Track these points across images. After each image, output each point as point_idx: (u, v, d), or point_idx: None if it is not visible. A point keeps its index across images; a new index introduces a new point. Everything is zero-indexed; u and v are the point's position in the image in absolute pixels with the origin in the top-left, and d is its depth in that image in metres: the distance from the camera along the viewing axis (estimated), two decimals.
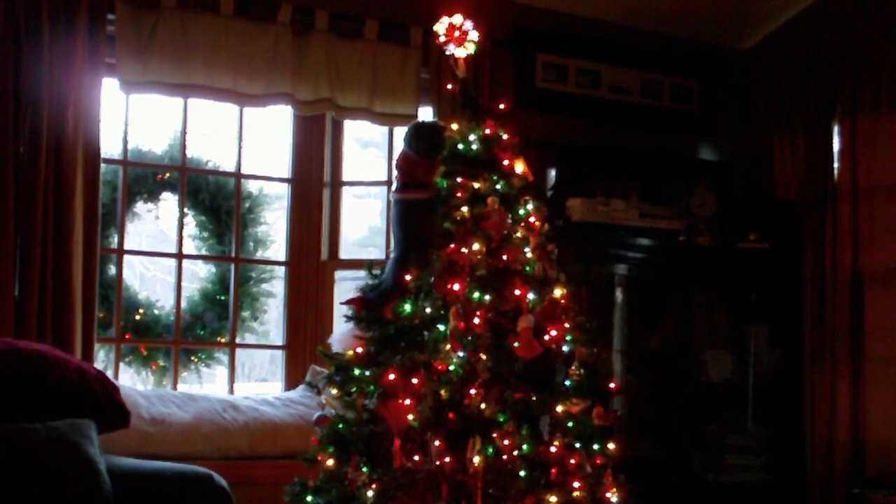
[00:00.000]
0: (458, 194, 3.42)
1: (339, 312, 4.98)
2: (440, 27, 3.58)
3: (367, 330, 3.54)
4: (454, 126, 3.58)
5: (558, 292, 3.41)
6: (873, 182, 5.52)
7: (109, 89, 4.65)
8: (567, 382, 3.40)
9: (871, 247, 5.51)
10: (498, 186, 3.47)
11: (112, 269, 5.10)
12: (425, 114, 5.25)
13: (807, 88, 5.76)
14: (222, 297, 5.39)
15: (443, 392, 3.24)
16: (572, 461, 3.29)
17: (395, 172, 3.80)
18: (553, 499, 3.19)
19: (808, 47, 5.86)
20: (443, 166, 3.50)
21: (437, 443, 3.19)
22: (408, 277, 3.47)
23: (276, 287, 5.50)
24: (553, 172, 5.43)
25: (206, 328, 5.38)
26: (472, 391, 3.23)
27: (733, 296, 5.77)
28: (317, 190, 5.30)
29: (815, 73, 5.73)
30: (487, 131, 3.54)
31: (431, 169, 3.54)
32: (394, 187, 3.77)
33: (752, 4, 5.89)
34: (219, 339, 5.39)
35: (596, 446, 3.39)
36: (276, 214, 5.58)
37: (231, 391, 5.15)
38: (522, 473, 3.20)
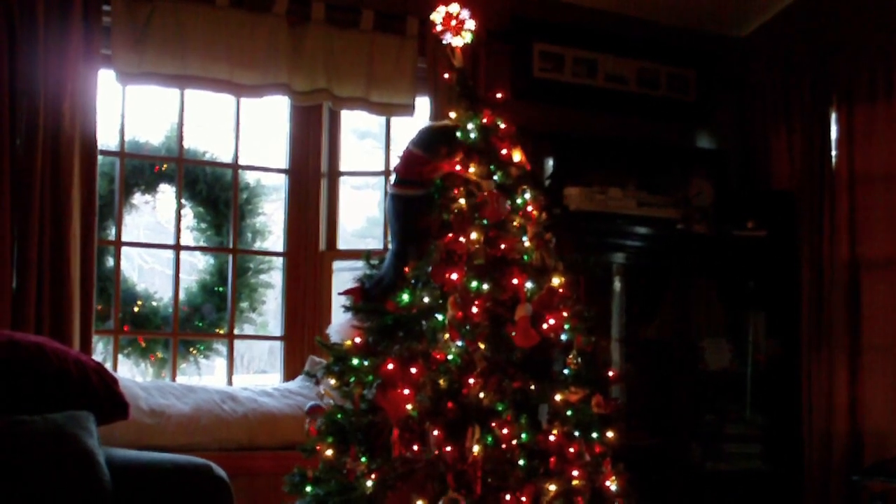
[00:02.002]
0: (455, 191, 3.41)
1: (338, 303, 4.98)
2: (437, 16, 3.58)
3: (365, 320, 3.54)
4: (452, 115, 3.59)
5: (556, 281, 3.41)
6: (870, 171, 5.52)
7: (105, 81, 4.64)
8: (565, 371, 3.41)
9: (867, 235, 5.51)
10: (496, 177, 3.47)
11: (110, 261, 5.09)
12: (422, 103, 5.25)
13: (804, 77, 5.76)
14: (220, 289, 5.38)
15: (441, 381, 3.25)
16: (571, 450, 3.30)
17: (394, 166, 3.80)
18: (552, 487, 3.21)
19: (805, 36, 5.85)
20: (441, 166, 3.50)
21: (435, 432, 3.20)
22: (407, 270, 3.47)
23: (274, 278, 5.50)
24: (550, 162, 5.42)
25: (205, 320, 5.38)
26: (471, 380, 3.24)
27: (731, 284, 5.77)
28: (314, 180, 5.30)
29: (812, 62, 5.73)
30: (485, 121, 3.54)
31: (434, 168, 3.53)
32: (391, 181, 3.76)
33: None
34: (217, 330, 5.39)
35: (595, 435, 3.40)
36: (273, 205, 5.58)
37: (230, 382, 5.15)
38: (521, 462, 3.21)
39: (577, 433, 3.34)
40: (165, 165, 5.35)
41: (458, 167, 3.46)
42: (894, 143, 5.43)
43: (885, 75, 5.44)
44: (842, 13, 5.71)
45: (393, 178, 3.74)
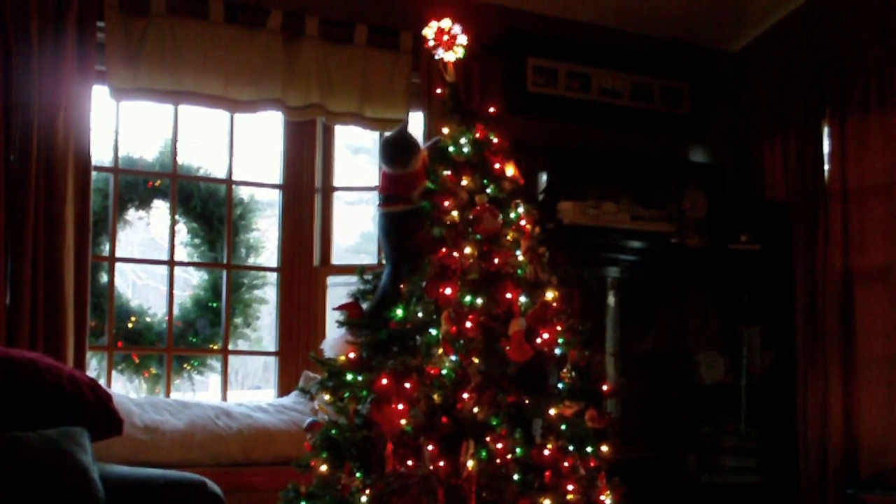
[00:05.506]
0: (447, 203, 3.41)
1: (332, 318, 4.98)
2: (429, 31, 3.58)
3: (359, 335, 3.53)
4: (445, 130, 3.59)
5: (550, 295, 3.41)
6: (863, 183, 5.53)
7: (99, 97, 4.65)
8: (560, 385, 3.41)
9: (861, 247, 5.52)
10: (489, 190, 3.47)
11: (104, 277, 5.09)
12: (416, 118, 5.26)
13: (796, 90, 5.77)
14: (214, 304, 5.39)
15: (435, 396, 3.24)
16: (566, 464, 3.29)
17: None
18: (547, 502, 3.19)
19: (798, 49, 5.88)
20: (423, 177, 3.50)
21: (430, 447, 3.19)
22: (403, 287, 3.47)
23: (268, 293, 5.50)
24: (544, 176, 5.43)
25: (199, 335, 5.38)
26: (465, 395, 3.23)
27: (725, 297, 5.78)
28: (308, 196, 5.30)
29: (805, 75, 5.75)
30: (477, 135, 3.54)
31: (411, 184, 3.52)
32: (378, 201, 3.75)
33: (741, 7, 5.90)
34: (211, 346, 5.39)
35: (589, 449, 3.39)
36: (267, 221, 5.59)
37: (224, 398, 5.14)
38: (516, 477, 3.20)
39: (571, 447, 3.34)
40: (159, 181, 5.36)
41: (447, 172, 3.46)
42: (887, 155, 5.44)
43: (878, 87, 5.46)
44: (834, 26, 5.73)
45: (378, 198, 3.73)
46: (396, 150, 3.51)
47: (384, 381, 3.25)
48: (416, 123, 5.26)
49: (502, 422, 3.22)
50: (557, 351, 3.40)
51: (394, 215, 3.58)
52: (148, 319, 5.33)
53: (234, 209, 5.37)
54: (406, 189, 3.51)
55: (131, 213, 5.41)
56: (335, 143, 5.44)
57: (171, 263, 5.12)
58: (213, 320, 5.37)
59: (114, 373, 5.04)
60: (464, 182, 3.45)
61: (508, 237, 3.44)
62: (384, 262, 3.75)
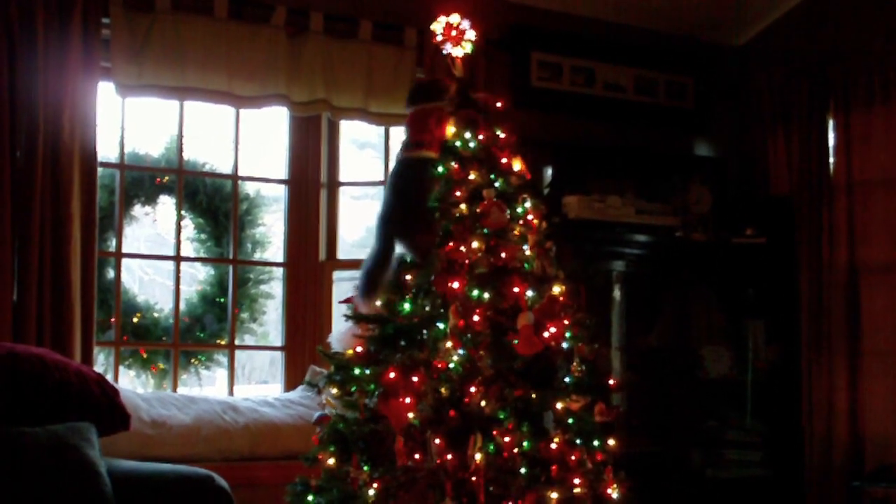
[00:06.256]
0: (458, 193, 3.43)
1: (338, 312, 4.99)
2: (437, 27, 3.60)
3: (367, 322, 3.55)
4: (452, 127, 3.60)
5: (557, 289, 3.42)
6: (868, 176, 5.54)
7: (105, 93, 4.65)
8: (567, 379, 3.41)
9: (866, 241, 5.52)
10: (497, 184, 3.48)
11: (110, 273, 5.10)
12: None
13: (801, 84, 5.77)
14: (221, 299, 5.39)
15: (443, 390, 3.25)
16: (573, 458, 3.30)
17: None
18: (554, 495, 3.20)
19: (802, 43, 5.88)
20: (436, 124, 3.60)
21: (437, 441, 3.20)
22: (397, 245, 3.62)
23: (274, 288, 5.50)
24: (549, 170, 5.43)
25: (206, 330, 5.38)
26: (473, 389, 3.24)
27: (730, 291, 5.78)
28: (314, 191, 5.30)
29: (809, 69, 5.75)
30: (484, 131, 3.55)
31: (423, 124, 3.62)
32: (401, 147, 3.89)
33: (745, 1, 5.89)
34: (218, 341, 5.39)
35: (596, 443, 3.40)
36: (273, 216, 5.59)
37: (231, 393, 5.15)
38: (523, 470, 3.21)
39: (578, 441, 3.35)
40: (165, 177, 5.36)
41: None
42: (891, 148, 5.45)
43: (882, 81, 5.46)
44: (838, 20, 5.73)
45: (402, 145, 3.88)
46: (410, 91, 4.00)
47: (392, 375, 3.26)
48: None
49: (510, 416, 3.23)
50: (565, 345, 3.41)
51: (407, 160, 3.72)
52: (155, 315, 5.34)
53: (240, 204, 5.37)
54: (419, 128, 3.61)
55: (137, 209, 5.41)
56: (340, 138, 5.45)
57: (178, 259, 5.14)
58: (219, 315, 5.38)
59: (121, 368, 5.05)
60: (471, 176, 3.45)
61: (516, 232, 3.45)
62: (376, 226, 3.83)
